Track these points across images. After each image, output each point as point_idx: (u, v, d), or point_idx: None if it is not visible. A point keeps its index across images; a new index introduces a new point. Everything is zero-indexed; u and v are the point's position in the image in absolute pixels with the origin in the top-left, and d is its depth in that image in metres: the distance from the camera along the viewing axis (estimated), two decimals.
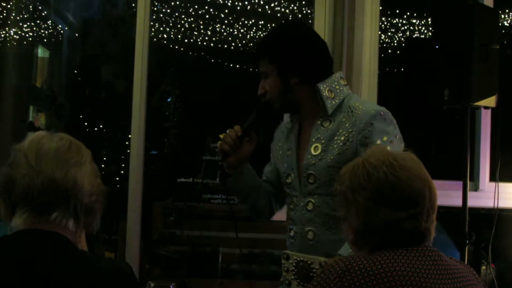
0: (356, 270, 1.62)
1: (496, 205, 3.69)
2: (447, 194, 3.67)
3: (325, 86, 2.45)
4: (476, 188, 4.05)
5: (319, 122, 2.47)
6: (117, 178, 6.50)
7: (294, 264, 2.31)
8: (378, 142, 2.33)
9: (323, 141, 2.43)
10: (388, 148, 2.29)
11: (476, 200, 3.89)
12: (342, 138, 2.39)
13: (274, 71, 2.48)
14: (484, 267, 3.92)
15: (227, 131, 2.55)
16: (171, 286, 2.07)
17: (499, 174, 3.73)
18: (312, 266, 2.29)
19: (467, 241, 3.44)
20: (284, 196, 2.63)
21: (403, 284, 1.61)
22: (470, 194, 3.52)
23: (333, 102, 2.44)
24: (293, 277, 2.32)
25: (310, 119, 2.50)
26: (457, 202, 3.49)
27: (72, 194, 1.62)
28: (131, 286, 1.65)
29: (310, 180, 2.44)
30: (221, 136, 2.56)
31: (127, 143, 6.12)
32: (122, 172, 6.42)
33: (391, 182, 1.69)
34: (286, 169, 2.55)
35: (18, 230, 1.62)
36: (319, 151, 2.43)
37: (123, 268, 1.66)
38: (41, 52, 11.51)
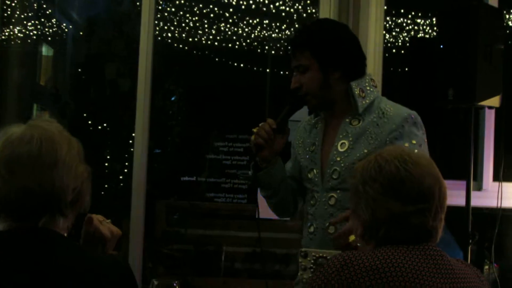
0: (355, 265, 1.63)
1: (499, 205, 3.69)
2: (451, 194, 3.61)
3: (356, 85, 2.45)
4: (479, 188, 4.05)
5: (347, 120, 2.46)
6: (121, 177, 6.51)
7: (312, 261, 2.29)
8: (406, 144, 2.33)
9: (350, 139, 2.43)
10: (415, 151, 2.29)
11: (480, 200, 3.89)
12: (371, 138, 2.40)
13: (315, 65, 2.45)
14: (487, 267, 3.92)
15: (260, 124, 2.51)
16: (174, 284, 2.07)
17: (503, 173, 3.73)
18: None
19: (470, 241, 3.44)
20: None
21: (400, 280, 1.61)
22: (473, 193, 3.53)
23: (364, 102, 2.44)
24: (311, 275, 2.31)
25: (339, 117, 2.50)
26: (461, 201, 3.49)
27: (52, 199, 1.57)
28: (128, 280, 1.65)
29: (334, 176, 2.43)
30: (254, 130, 2.51)
31: (131, 141, 6.14)
32: (125, 170, 6.43)
33: (401, 176, 1.70)
34: (309, 164, 2.54)
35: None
36: (345, 148, 2.43)
37: (121, 262, 1.67)
38: (45, 50, 11.52)
